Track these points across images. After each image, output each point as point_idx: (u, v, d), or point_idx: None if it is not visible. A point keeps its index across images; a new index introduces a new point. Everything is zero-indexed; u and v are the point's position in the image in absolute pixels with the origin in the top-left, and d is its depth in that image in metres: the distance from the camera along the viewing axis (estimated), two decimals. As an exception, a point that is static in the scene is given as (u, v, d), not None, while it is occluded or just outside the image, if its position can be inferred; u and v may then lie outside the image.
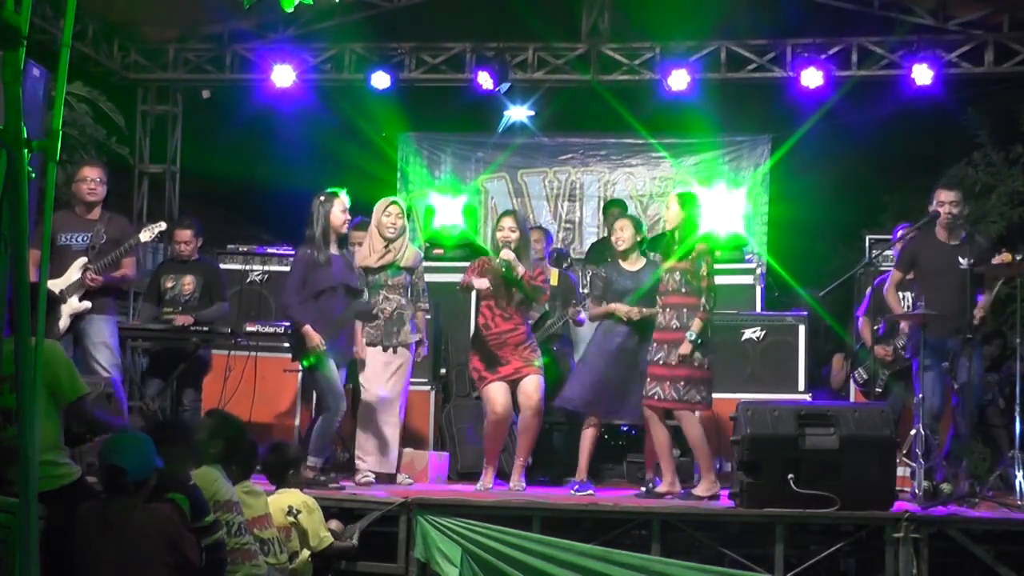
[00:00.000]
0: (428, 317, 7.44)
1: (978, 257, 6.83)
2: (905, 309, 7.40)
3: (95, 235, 7.04)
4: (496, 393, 6.96)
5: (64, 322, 6.90)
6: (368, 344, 7.05)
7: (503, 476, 7.21)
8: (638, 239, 7.19)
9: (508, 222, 7.11)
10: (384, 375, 7.04)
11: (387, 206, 7.16)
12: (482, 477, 7.03)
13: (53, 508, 4.58)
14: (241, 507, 4.91)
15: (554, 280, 7.70)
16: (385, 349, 7.03)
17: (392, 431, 7.04)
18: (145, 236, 7.13)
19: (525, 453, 7.05)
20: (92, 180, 7.14)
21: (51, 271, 6.92)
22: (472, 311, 8.15)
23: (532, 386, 6.95)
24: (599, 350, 7.07)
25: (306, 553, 5.50)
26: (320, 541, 5.59)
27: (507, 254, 6.92)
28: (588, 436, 7.07)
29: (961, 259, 6.88)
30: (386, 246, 7.06)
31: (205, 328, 7.76)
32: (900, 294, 7.33)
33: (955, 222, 6.93)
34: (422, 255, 7.41)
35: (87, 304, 6.92)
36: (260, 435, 7.05)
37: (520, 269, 6.92)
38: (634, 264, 7.17)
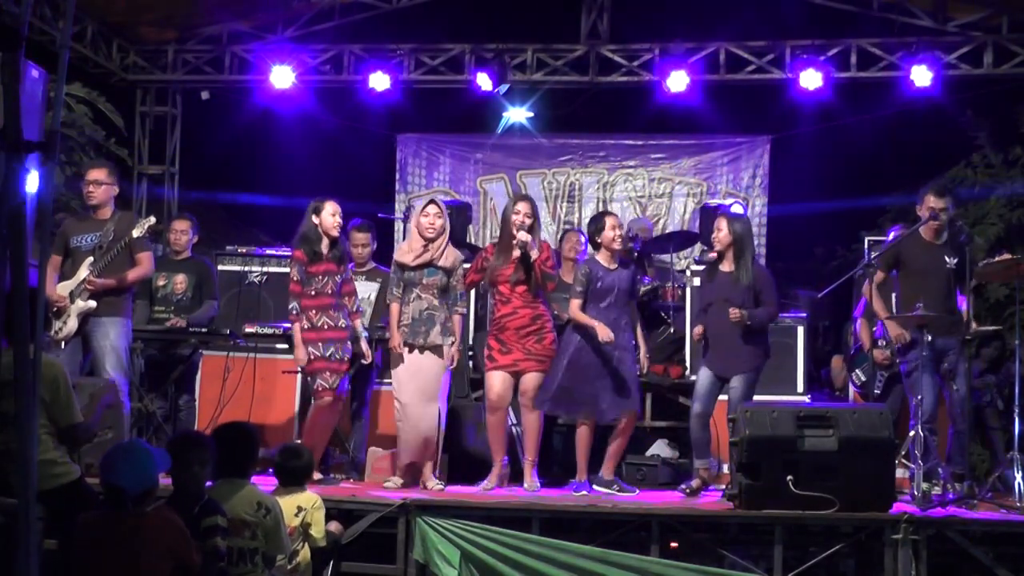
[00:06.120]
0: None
1: (974, 258, 6.83)
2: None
3: (103, 234, 7.04)
4: (492, 381, 6.95)
5: (72, 323, 6.89)
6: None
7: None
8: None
9: (524, 207, 6.96)
10: (407, 377, 6.92)
11: (425, 205, 7.06)
12: (488, 476, 6.99)
13: (51, 508, 4.59)
14: (252, 528, 4.79)
15: None
16: (411, 350, 6.94)
17: (413, 434, 6.91)
18: (137, 231, 7.11)
19: (532, 452, 7.00)
20: (91, 183, 7.13)
21: (67, 274, 6.97)
22: (472, 312, 8.16)
23: (526, 383, 6.92)
24: (580, 349, 7.00)
25: (307, 552, 5.48)
26: (317, 540, 5.55)
27: (524, 236, 6.83)
28: (582, 435, 7.05)
29: (947, 258, 6.86)
30: (425, 245, 6.97)
31: (204, 330, 7.76)
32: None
33: (943, 226, 6.93)
34: (463, 257, 7.23)
35: (92, 304, 6.92)
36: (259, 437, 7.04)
37: (535, 252, 6.87)
38: (613, 263, 7.12)
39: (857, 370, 8.05)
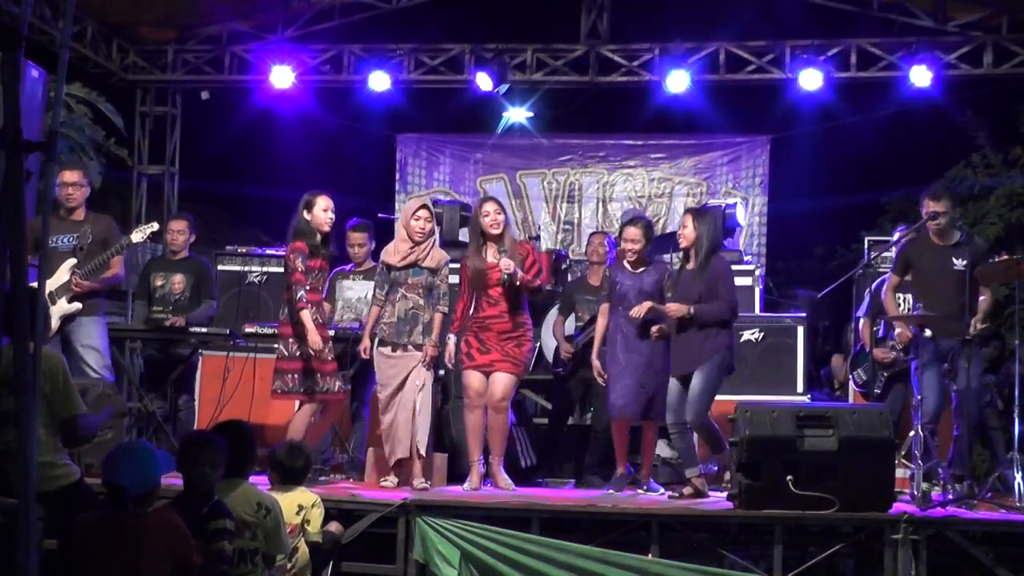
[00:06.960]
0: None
1: (975, 259, 6.81)
2: (904, 311, 7.39)
3: (81, 236, 7.00)
4: (470, 380, 6.95)
5: (54, 323, 6.87)
6: (380, 343, 7.01)
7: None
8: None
9: (491, 206, 6.98)
10: (391, 374, 6.93)
11: (417, 209, 7.02)
12: (468, 477, 7.00)
13: (51, 508, 4.59)
14: (252, 529, 4.80)
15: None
16: (394, 349, 6.96)
17: (399, 430, 6.92)
18: (137, 237, 7.08)
19: (497, 452, 6.97)
20: (70, 185, 7.08)
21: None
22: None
23: (496, 383, 6.90)
24: (628, 357, 7.00)
25: (304, 549, 5.47)
26: (311, 535, 5.54)
27: (507, 265, 6.82)
28: (648, 439, 7.10)
29: (956, 260, 6.85)
30: (411, 248, 6.98)
31: (204, 329, 7.76)
32: (900, 296, 7.32)
33: (945, 228, 6.91)
34: (448, 258, 7.19)
35: (77, 305, 6.90)
36: (258, 437, 7.03)
37: (519, 276, 6.88)
38: (638, 267, 7.11)
39: (859, 369, 8.06)
